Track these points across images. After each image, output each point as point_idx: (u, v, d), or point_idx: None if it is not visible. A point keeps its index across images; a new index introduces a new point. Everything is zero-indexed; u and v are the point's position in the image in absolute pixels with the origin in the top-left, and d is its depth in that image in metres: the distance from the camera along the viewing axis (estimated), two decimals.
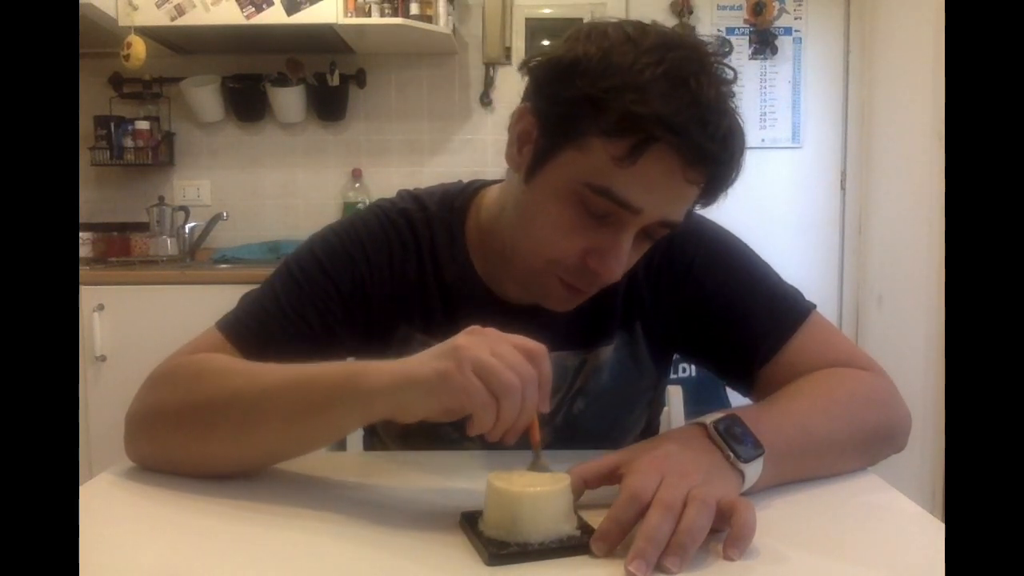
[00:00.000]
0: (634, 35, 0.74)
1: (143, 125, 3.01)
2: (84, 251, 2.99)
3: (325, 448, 0.82)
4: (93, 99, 3.00)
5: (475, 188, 0.96)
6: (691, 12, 3.09)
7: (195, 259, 3.04)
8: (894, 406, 0.86)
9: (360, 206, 2.69)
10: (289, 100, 3.04)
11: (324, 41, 2.86)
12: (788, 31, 3.14)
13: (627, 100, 0.71)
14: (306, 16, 2.64)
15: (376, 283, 0.90)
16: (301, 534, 0.67)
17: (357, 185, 3.10)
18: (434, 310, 0.92)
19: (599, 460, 0.70)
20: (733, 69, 0.77)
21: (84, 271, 2.61)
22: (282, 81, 3.02)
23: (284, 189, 3.16)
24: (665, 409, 1.23)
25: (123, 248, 3.06)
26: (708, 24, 3.12)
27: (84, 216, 3.02)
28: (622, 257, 0.79)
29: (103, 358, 2.49)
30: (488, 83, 3.13)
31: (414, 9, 2.70)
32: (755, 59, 3.13)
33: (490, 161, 3.11)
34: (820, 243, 3.18)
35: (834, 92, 3.15)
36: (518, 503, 0.62)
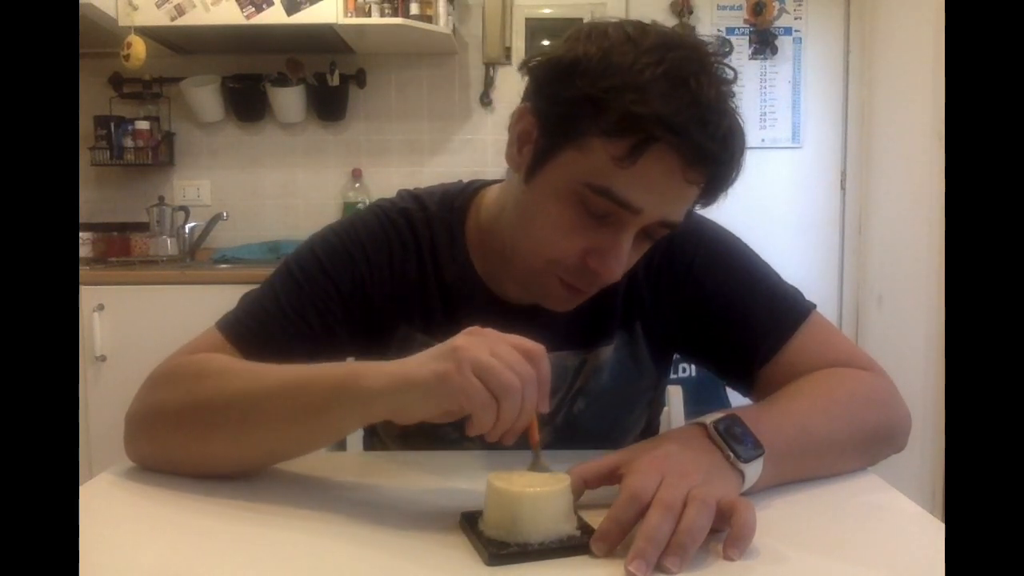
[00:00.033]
0: (634, 35, 0.74)
1: (143, 125, 3.01)
2: (84, 251, 2.99)
3: (325, 448, 0.82)
4: (93, 99, 3.00)
5: (475, 188, 0.96)
6: (691, 12, 3.09)
7: (195, 259, 3.04)
8: (894, 406, 0.86)
9: (360, 206, 2.69)
10: (289, 100, 3.04)
11: (324, 41, 2.86)
12: (788, 31, 3.14)
13: (627, 100, 0.71)
14: (306, 16, 2.64)
15: (376, 283, 0.90)
16: (301, 534, 0.67)
17: (357, 185, 3.10)
18: (434, 310, 0.92)
19: (599, 460, 0.70)
20: (733, 69, 0.77)
21: (84, 271, 2.61)
22: (282, 81, 3.02)
23: (284, 189, 3.16)
24: (665, 409, 1.23)
25: (123, 248, 3.06)
26: (708, 24, 3.12)
27: (84, 216, 3.02)
28: (622, 257, 0.79)
29: (103, 358, 2.49)
30: (488, 83, 3.13)
31: (414, 9, 2.70)
32: (755, 59, 3.13)
33: (490, 161, 3.11)
34: (820, 243, 3.18)
35: (834, 92, 3.15)
36: (518, 503, 0.62)
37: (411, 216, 0.93)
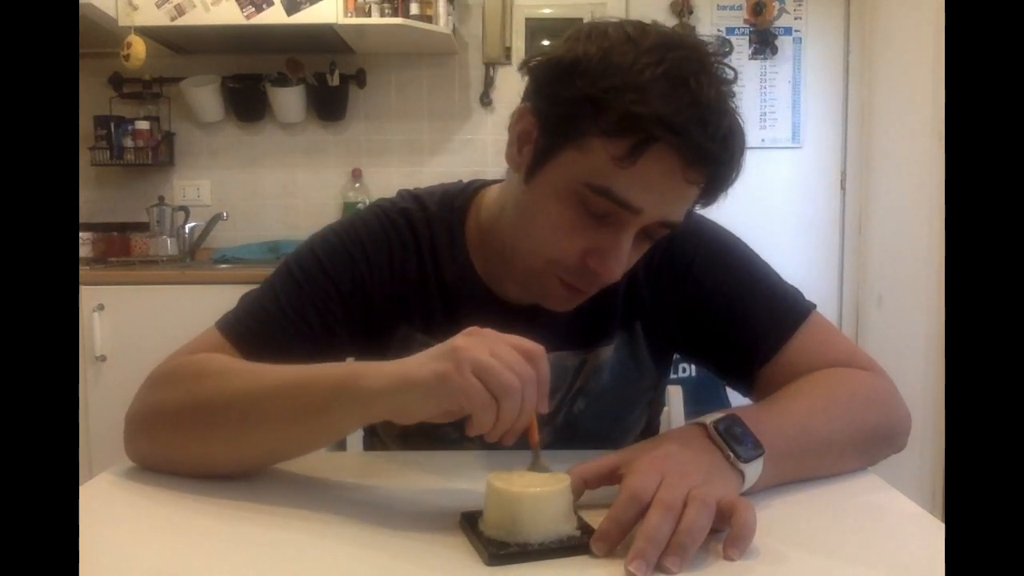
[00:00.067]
0: (634, 35, 0.74)
1: (143, 125, 3.01)
2: (84, 251, 2.99)
3: (325, 448, 0.82)
4: (93, 99, 3.00)
5: (475, 188, 0.96)
6: (691, 12, 3.09)
7: (195, 259, 3.04)
8: (894, 406, 0.86)
9: (360, 206, 2.69)
10: (289, 100, 3.04)
11: (324, 41, 2.86)
12: (788, 31, 3.14)
13: (627, 100, 0.71)
14: (306, 16, 2.64)
15: (376, 283, 0.90)
16: (301, 534, 0.67)
17: (357, 185, 3.10)
18: (434, 310, 0.92)
19: (599, 460, 0.70)
20: (733, 69, 0.77)
21: (84, 271, 2.61)
22: (282, 81, 3.02)
23: (284, 189, 3.16)
24: (665, 409, 1.23)
25: (123, 248, 3.06)
26: (708, 24, 3.12)
27: (84, 216, 3.01)
28: (622, 257, 0.79)
29: (103, 358, 2.49)
30: (488, 83, 3.13)
31: (414, 9, 2.70)
32: (755, 59, 3.13)
33: (490, 161, 3.11)
34: (820, 243, 3.18)
35: (834, 92, 3.15)
36: (518, 503, 0.62)
37: (411, 216, 0.93)
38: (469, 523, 0.65)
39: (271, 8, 2.63)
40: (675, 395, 1.30)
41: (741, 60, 3.11)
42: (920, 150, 2.57)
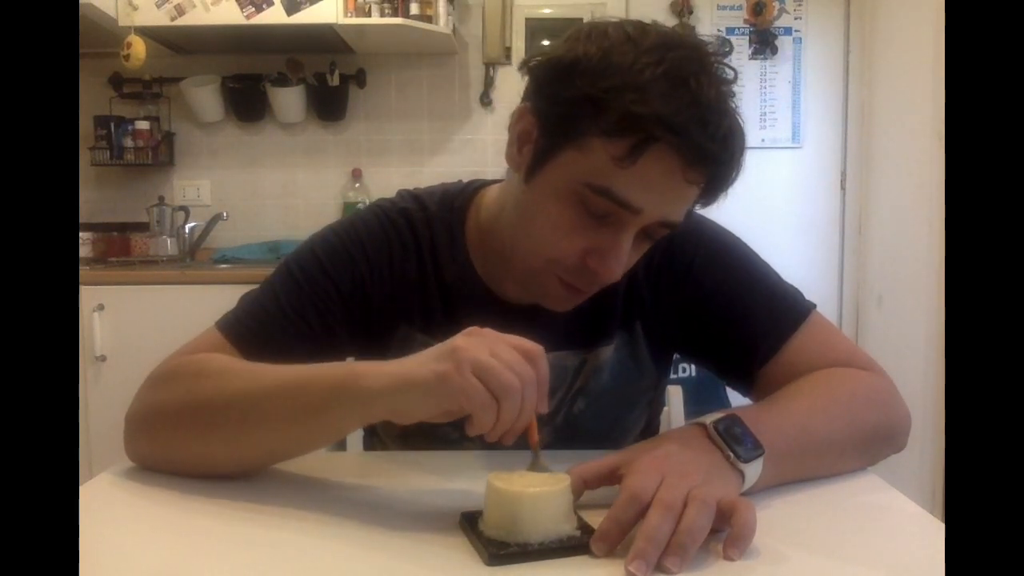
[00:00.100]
0: (634, 35, 0.74)
1: (143, 125, 3.01)
2: (84, 251, 2.99)
3: (325, 448, 0.82)
4: (93, 99, 3.00)
5: (475, 188, 0.96)
6: (691, 12, 3.09)
7: (195, 259, 3.04)
8: (894, 406, 0.86)
9: (360, 206, 2.69)
10: (289, 100, 3.04)
11: (324, 41, 2.86)
12: (788, 31, 3.13)
13: (627, 100, 0.71)
14: (306, 16, 2.64)
15: (376, 283, 0.90)
16: (301, 534, 0.67)
17: (357, 185, 3.10)
18: (434, 310, 0.92)
19: (599, 460, 0.70)
20: (733, 69, 0.77)
21: (84, 271, 2.61)
22: (282, 81, 3.02)
23: (284, 189, 3.16)
24: (665, 409, 1.23)
25: (123, 248, 3.06)
26: (708, 24, 3.12)
27: (84, 216, 3.01)
28: (622, 257, 0.79)
29: (103, 358, 2.49)
30: (488, 83, 3.13)
31: (414, 9, 2.70)
32: (755, 59, 3.13)
33: (490, 161, 3.11)
34: (820, 243, 3.18)
35: (834, 92, 3.15)
36: (518, 503, 0.62)
37: (411, 216, 0.93)
38: (469, 523, 0.65)
39: (271, 8, 2.63)
40: (675, 395, 1.30)
41: (741, 60, 3.11)
42: (920, 150, 2.57)
